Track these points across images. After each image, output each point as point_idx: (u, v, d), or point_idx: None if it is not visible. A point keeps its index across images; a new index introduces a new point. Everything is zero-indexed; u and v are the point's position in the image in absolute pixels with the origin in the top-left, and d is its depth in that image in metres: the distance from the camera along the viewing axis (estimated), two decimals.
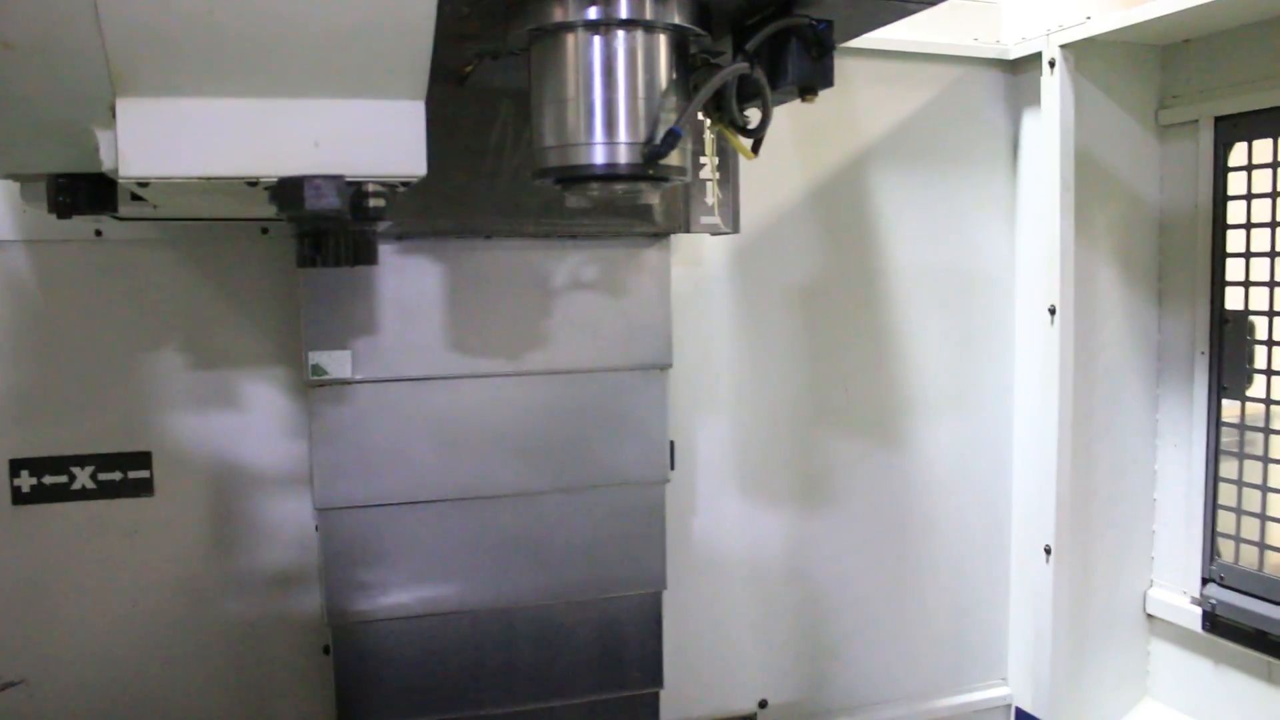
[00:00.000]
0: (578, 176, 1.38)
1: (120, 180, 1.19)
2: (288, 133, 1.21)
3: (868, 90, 2.81)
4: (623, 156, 1.35)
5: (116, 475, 2.31)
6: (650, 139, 1.34)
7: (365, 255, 1.45)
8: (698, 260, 2.74)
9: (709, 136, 2.33)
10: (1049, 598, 2.84)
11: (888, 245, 2.88)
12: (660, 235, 2.34)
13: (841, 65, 2.71)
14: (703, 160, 2.33)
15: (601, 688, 2.42)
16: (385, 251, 2.17)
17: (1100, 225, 2.83)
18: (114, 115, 1.16)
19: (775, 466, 2.84)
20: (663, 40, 1.36)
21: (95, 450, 2.30)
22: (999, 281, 2.99)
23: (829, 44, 1.37)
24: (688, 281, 2.71)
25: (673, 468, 2.68)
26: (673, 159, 1.38)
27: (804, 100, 1.46)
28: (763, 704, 2.87)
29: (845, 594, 2.92)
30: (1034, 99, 2.82)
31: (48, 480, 2.27)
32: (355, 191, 1.17)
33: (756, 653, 2.86)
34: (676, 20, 1.36)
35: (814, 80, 1.40)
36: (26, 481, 2.26)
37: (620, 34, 1.33)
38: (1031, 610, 2.94)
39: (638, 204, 2.19)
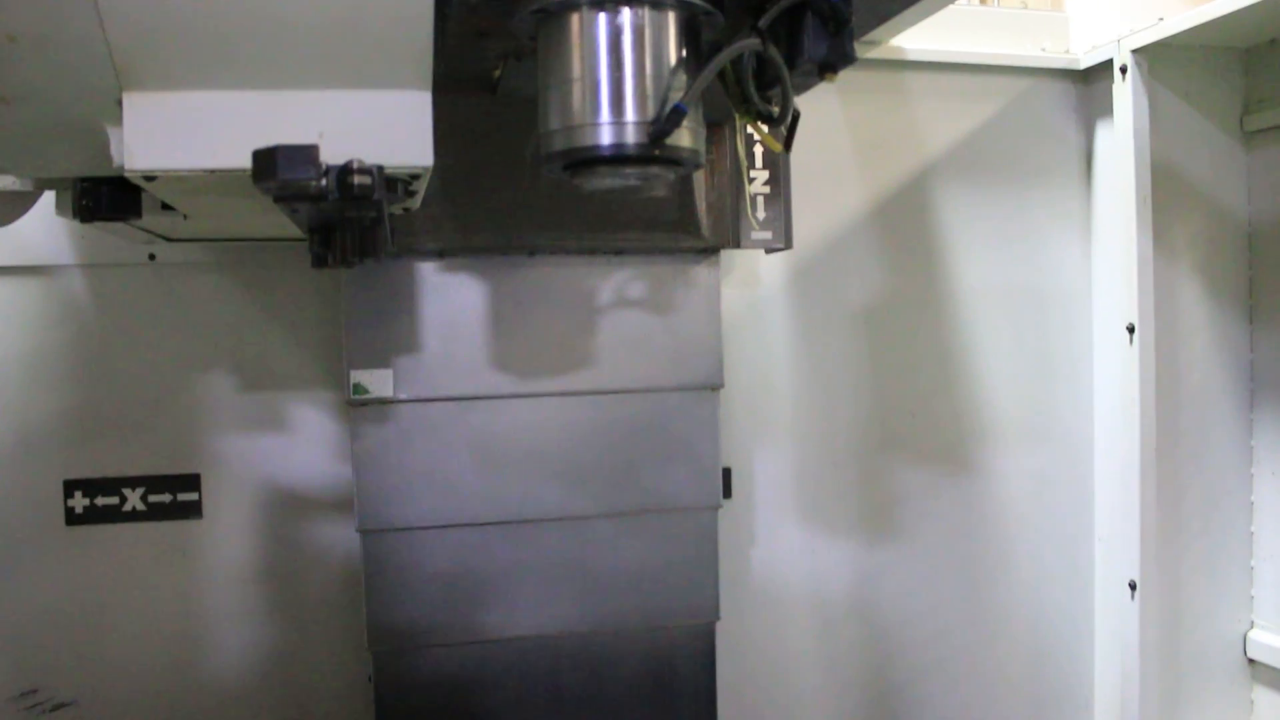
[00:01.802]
0: (584, 159, 1.33)
1: (126, 174, 1.18)
2: (292, 124, 1.19)
3: (930, 104, 2.73)
4: (630, 136, 1.29)
5: (166, 497, 2.33)
6: (657, 118, 1.28)
7: (371, 248, 1.42)
8: (755, 280, 2.67)
9: (758, 149, 2.29)
10: (1135, 636, 2.65)
11: (955, 264, 2.77)
12: (709, 250, 2.28)
13: (902, 79, 2.69)
14: (753, 174, 2.27)
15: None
16: (426, 269, 2.16)
17: (1182, 239, 2.68)
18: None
19: (838, 495, 2.73)
20: (671, 18, 1.31)
21: (146, 472, 2.33)
22: (1075, 300, 2.85)
23: (845, 17, 1.30)
24: (744, 302, 2.64)
25: (729, 495, 2.61)
26: (684, 140, 1.32)
27: (824, 79, 1.39)
28: None
29: (915, 630, 2.78)
30: (1107, 109, 2.70)
31: (100, 501, 2.30)
32: (341, 169, 1.14)
33: (820, 691, 2.73)
34: None
35: (832, 57, 1.33)
36: (80, 502, 2.29)
37: (626, 11, 1.28)
38: (1118, 652, 2.75)
39: (675, 216, 2.15)
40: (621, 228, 2.17)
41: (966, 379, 2.79)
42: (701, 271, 2.30)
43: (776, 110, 1.44)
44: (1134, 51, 2.58)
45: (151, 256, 2.28)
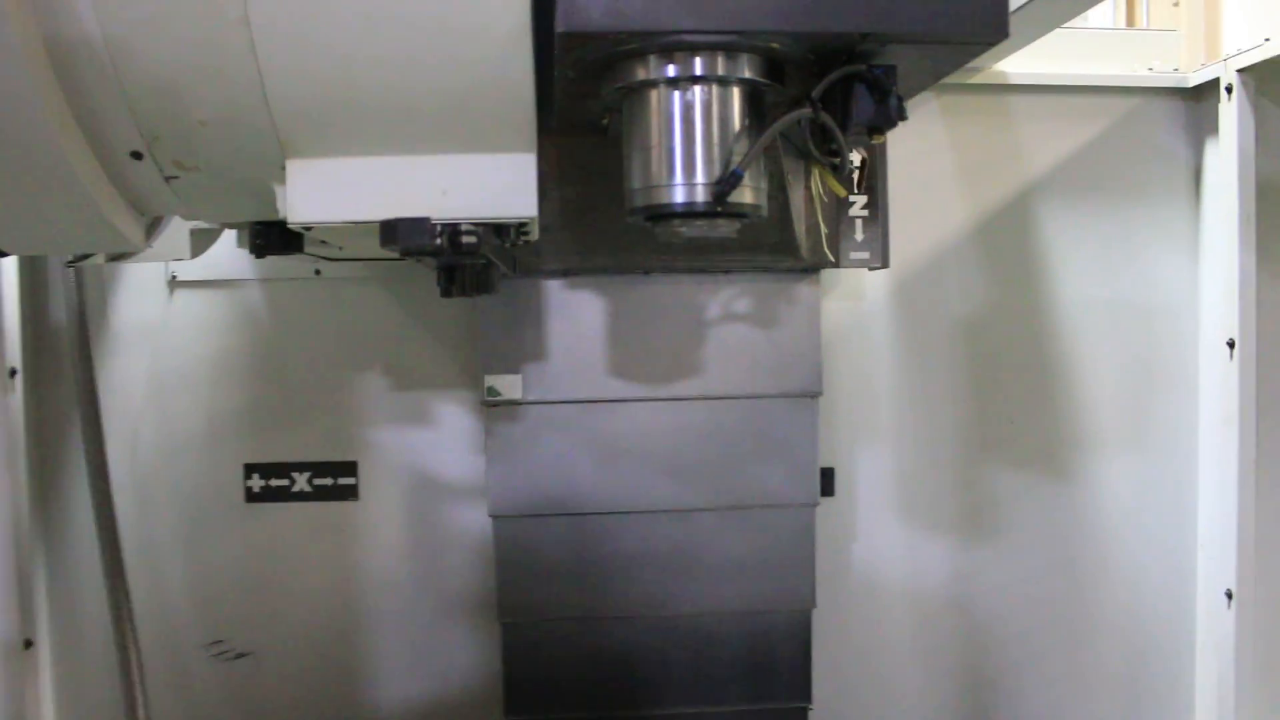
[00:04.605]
0: (661, 214, 1.58)
1: (290, 225, 1.47)
2: (421, 183, 1.46)
3: (1034, 125, 2.82)
4: (699, 196, 1.54)
5: (328, 481, 2.67)
6: (720, 180, 1.51)
7: (485, 286, 1.69)
8: (859, 294, 2.83)
9: (856, 175, 2.47)
10: (1231, 644, 2.72)
11: (1057, 278, 2.86)
12: (809, 269, 2.47)
13: (1005, 101, 2.81)
14: (852, 199, 2.45)
15: (750, 698, 2.55)
16: (552, 287, 2.43)
17: None
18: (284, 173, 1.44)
19: (937, 496, 2.87)
20: (736, 92, 1.53)
21: (312, 458, 2.67)
22: (1180, 316, 2.90)
23: (888, 88, 1.49)
24: (849, 314, 2.81)
25: (832, 494, 2.80)
26: (745, 197, 1.55)
27: (872, 140, 1.59)
28: None
29: (1009, 627, 2.91)
30: (1215, 128, 2.75)
31: (273, 483, 2.66)
32: (452, 230, 1.40)
33: (915, 679, 2.90)
34: (747, 74, 1.53)
35: (878, 120, 1.52)
36: (257, 483, 2.66)
37: (696, 89, 1.52)
38: (1216, 658, 2.82)
39: (775, 239, 2.35)
40: (728, 250, 2.38)
41: (1066, 388, 2.88)
42: (802, 288, 2.49)
43: (853, 163, 1.64)
44: (1240, 71, 2.63)
45: (317, 272, 2.62)
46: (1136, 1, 3.03)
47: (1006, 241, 2.85)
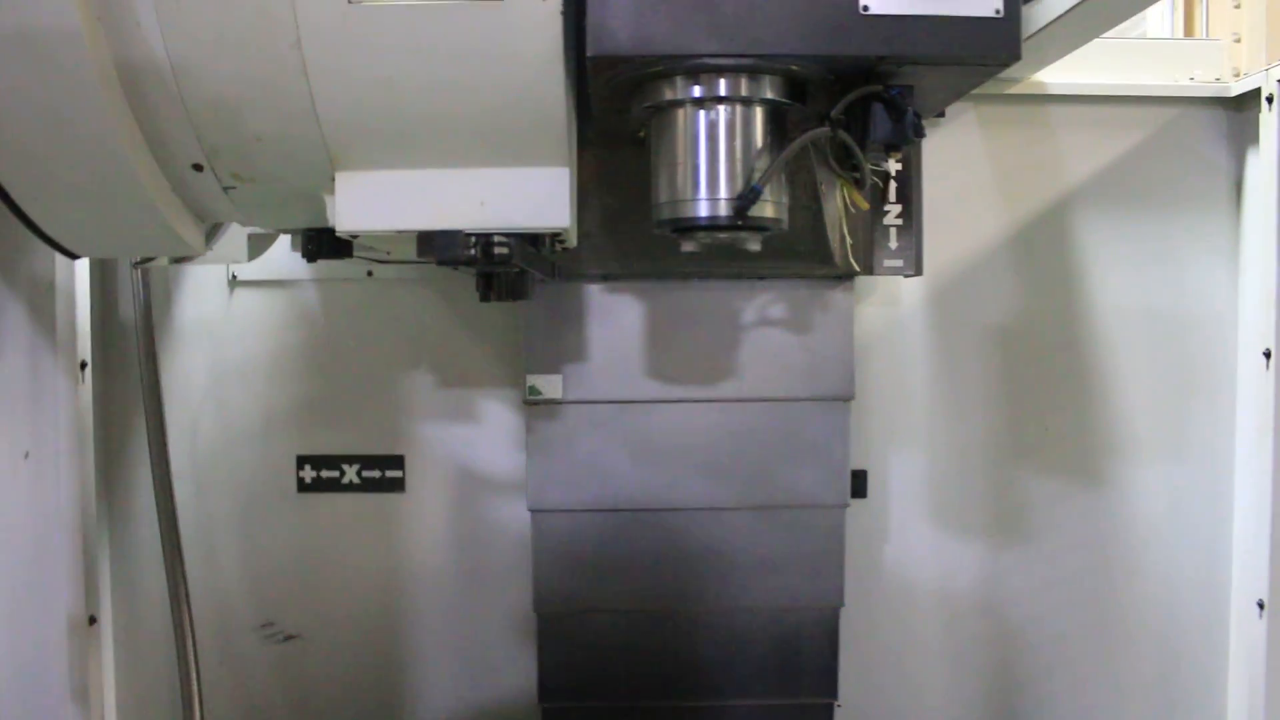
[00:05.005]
0: (686, 226, 1.67)
1: (338, 233, 1.58)
2: (460, 195, 1.56)
3: (1073, 135, 2.84)
4: (722, 210, 1.62)
5: (377, 473, 2.79)
6: (741, 195, 1.59)
7: (520, 293, 1.79)
8: (895, 300, 2.87)
9: (892, 185, 2.52)
10: (1263, 654, 2.72)
11: (1093, 286, 2.88)
12: (843, 277, 2.53)
13: (1044, 112, 2.84)
14: (886, 208, 2.50)
15: (778, 693, 2.62)
16: (592, 291, 2.52)
17: None
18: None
19: (969, 499, 2.91)
20: (758, 112, 1.61)
21: (361, 451, 2.79)
22: (1219, 326, 2.90)
23: (903, 107, 1.55)
24: (885, 320, 2.86)
25: (865, 495, 2.85)
26: (766, 211, 1.63)
27: (889, 156, 1.65)
28: None
29: (1040, 630, 2.93)
30: (1257, 137, 2.75)
31: (324, 474, 2.78)
32: (485, 241, 1.50)
33: (944, 680, 2.94)
34: (769, 95, 1.61)
35: (894, 138, 1.58)
36: (308, 474, 2.78)
37: (720, 108, 1.60)
38: (1247, 669, 2.83)
39: (809, 248, 2.42)
40: (763, 257, 2.45)
41: (1102, 395, 2.90)
42: (836, 295, 2.56)
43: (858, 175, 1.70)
44: None
45: (369, 274, 2.73)
46: (1196, 3, 3.03)
47: (1044, 250, 2.88)
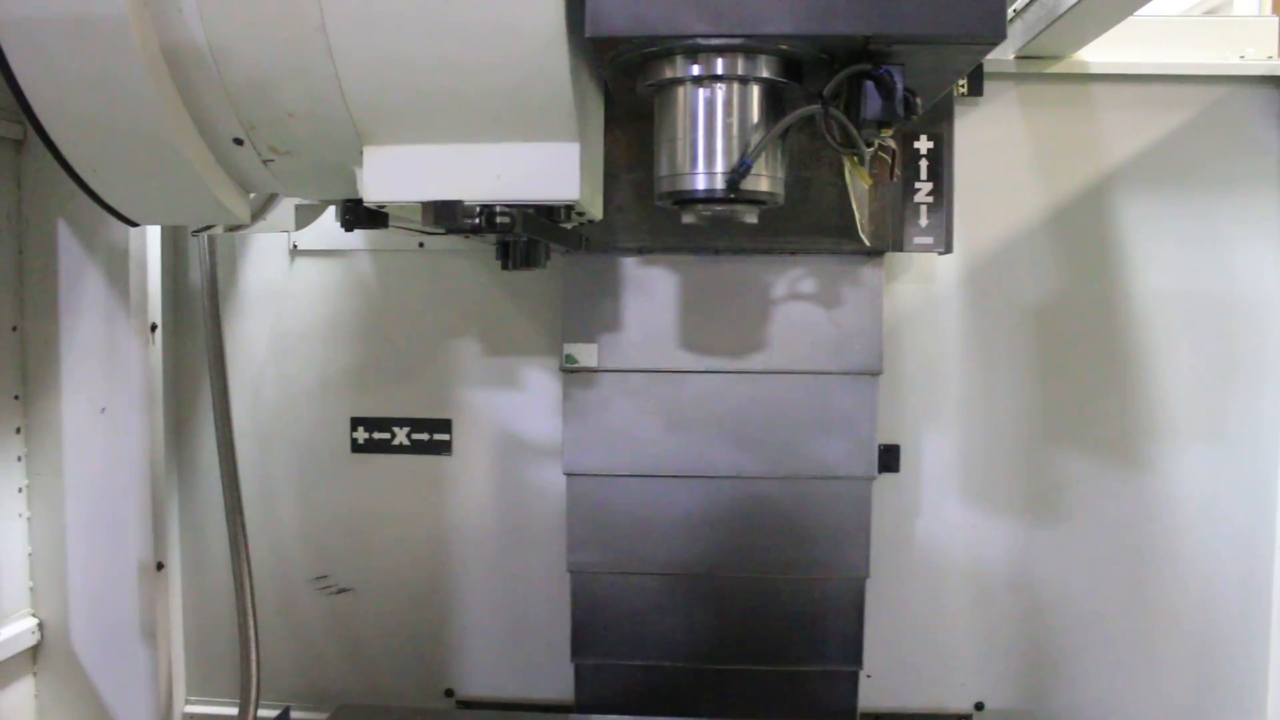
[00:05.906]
0: (684, 199, 1.76)
1: (366, 203, 1.70)
2: (477, 168, 1.67)
3: (1116, 114, 2.82)
4: (717, 183, 1.71)
5: (425, 436, 2.93)
6: (732, 169, 1.67)
7: (532, 261, 1.91)
8: (930, 277, 2.90)
9: (924, 164, 2.56)
10: None
11: (1134, 267, 2.86)
12: (873, 253, 2.58)
13: (1087, 91, 2.85)
14: (917, 185, 2.54)
15: (802, 659, 2.69)
16: (628, 264, 2.61)
17: None
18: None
19: (1001, 477, 2.93)
20: (754, 90, 1.68)
21: (411, 415, 2.94)
22: (1266, 308, 2.87)
23: (893, 86, 1.60)
24: (919, 296, 2.89)
25: (897, 470, 2.90)
26: (760, 185, 1.72)
27: (880, 133, 1.70)
28: (979, 706, 2.97)
29: (1071, 609, 2.94)
30: None
31: (376, 435, 2.94)
32: (489, 212, 1.60)
33: (973, 655, 2.97)
34: (764, 74, 1.68)
35: (884, 116, 1.63)
36: (362, 435, 2.94)
37: (717, 87, 1.68)
38: None
39: (836, 223, 2.48)
40: (793, 233, 2.52)
41: (1141, 377, 2.89)
42: (866, 271, 2.61)
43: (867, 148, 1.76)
44: None
45: (421, 245, 2.87)
46: None
47: (1083, 230, 2.87)
